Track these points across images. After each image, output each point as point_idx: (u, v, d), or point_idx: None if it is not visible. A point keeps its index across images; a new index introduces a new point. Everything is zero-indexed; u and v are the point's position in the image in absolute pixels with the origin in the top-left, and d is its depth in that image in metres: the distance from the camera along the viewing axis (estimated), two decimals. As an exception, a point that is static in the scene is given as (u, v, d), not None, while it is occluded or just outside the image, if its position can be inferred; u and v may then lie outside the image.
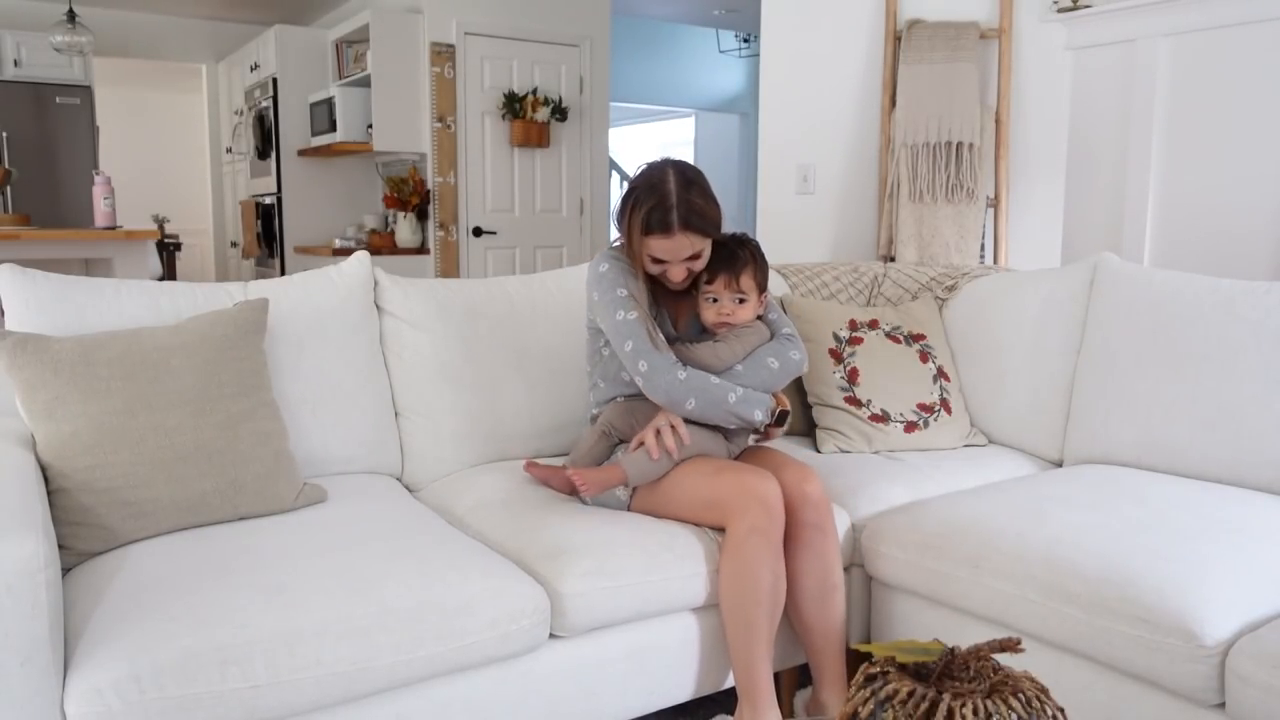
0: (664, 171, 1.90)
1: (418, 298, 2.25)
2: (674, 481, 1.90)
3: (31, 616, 1.25)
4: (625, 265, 1.96)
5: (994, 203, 3.36)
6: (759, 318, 2.02)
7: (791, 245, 3.79)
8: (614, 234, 2.02)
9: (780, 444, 2.41)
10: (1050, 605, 1.69)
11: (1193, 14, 2.94)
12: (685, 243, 1.88)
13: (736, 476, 1.83)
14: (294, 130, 6.18)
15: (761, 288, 2.00)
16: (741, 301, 1.97)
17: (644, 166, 1.95)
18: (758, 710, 1.76)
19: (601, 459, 2.01)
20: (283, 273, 6.12)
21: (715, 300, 1.98)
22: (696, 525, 1.87)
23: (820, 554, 1.89)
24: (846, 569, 2.11)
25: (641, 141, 10.42)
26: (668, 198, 1.86)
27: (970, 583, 1.82)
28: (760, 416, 1.91)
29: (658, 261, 1.92)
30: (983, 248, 3.35)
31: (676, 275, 1.93)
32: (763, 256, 2.02)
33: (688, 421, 1.90)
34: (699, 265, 1.94)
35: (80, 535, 1.62)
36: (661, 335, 1.91)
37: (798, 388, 2.56)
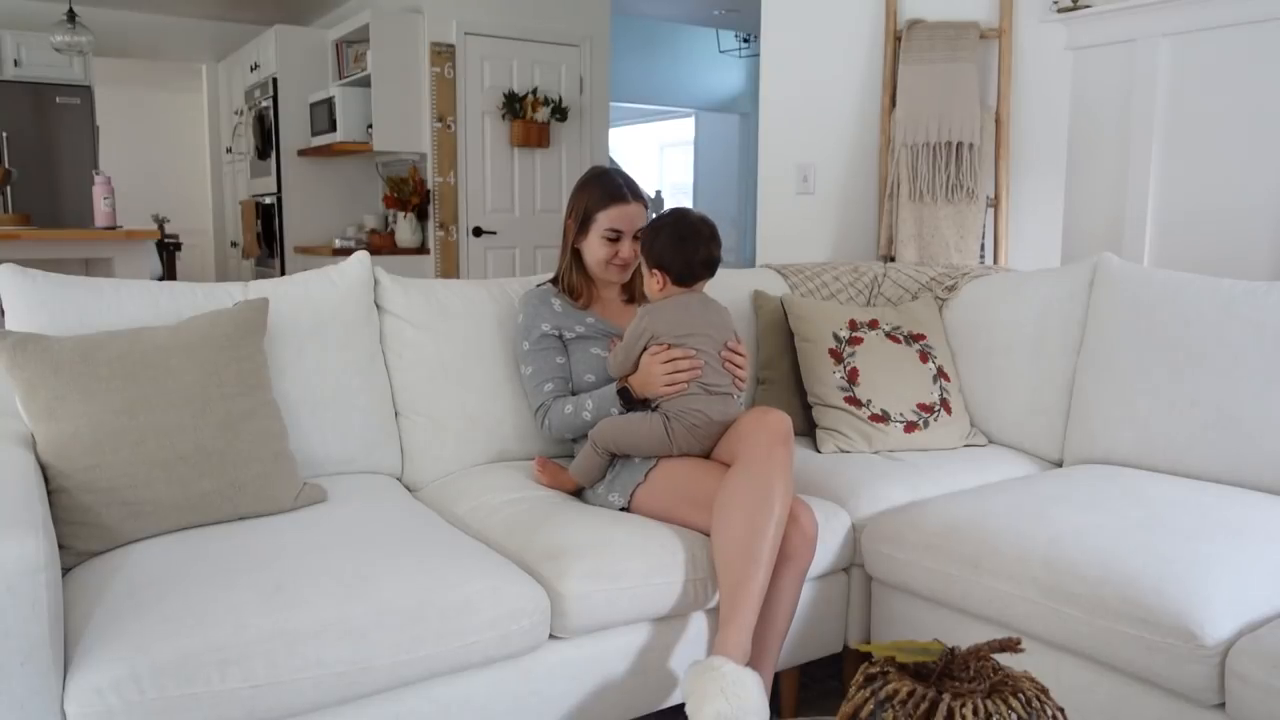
0: (600, 168, 2.23)
1: (418, 297, 2.25)
2: (677, 481, 1.91)
3: (31, 616, 1.25)
4: (536, 304, 2.17)
5: (994, 203, 3.36)
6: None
7: (791, 245, 3.78)
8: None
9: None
10: (1050, 605, 1.69)
11: (1193, 14, 2.94)
12: (638, 211, 2.13)
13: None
14: (294, 130, 6.17)
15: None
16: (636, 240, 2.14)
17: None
18: (733, 637, 1.64)
19: (598, 473, 2.02)
20: (283, 273, 6.12)
21: (616, 240, 2.12)
22: (698, 529, 1.87)
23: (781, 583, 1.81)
24: (846, 569, 2.11)
25: (641, 141, 10.42)
26: (615, 176, 2.18)
27: (970, 583, 1.82)
28: (616, 411, 2.02)
29: (612, 240, 2.12)
30: (983, 248, 3.35)
31: (627, 252, 2.13)
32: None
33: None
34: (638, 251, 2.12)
35: (80, 535, 1.62)
36: (551, 382, 2.11)
37: (798, 388, 2.56)
